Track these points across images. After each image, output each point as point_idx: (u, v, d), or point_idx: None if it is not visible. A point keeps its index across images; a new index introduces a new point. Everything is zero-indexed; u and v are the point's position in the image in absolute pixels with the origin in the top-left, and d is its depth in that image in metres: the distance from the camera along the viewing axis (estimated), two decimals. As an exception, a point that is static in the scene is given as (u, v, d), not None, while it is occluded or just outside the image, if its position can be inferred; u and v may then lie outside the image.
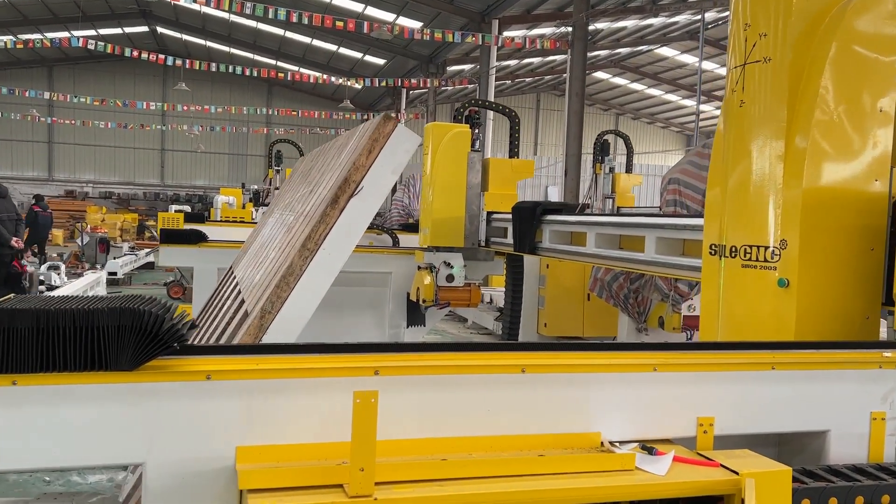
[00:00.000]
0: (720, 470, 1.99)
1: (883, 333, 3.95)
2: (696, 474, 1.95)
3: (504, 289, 10.27)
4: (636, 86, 38.97)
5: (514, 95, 42.11)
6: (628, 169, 13.30)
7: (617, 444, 2.11)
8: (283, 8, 14.18)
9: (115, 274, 16.47)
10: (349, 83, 26.55)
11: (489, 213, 7.32)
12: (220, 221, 10.38)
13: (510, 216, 7.22)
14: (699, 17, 25.97)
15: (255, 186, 22.31)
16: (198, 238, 7.24)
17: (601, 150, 12.77)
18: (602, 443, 2.11)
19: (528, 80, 37.08)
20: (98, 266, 16.98)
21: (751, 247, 3.01)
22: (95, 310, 1.71)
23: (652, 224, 4.86)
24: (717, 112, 33.77)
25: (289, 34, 30.79)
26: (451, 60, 28.15)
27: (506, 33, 22.27)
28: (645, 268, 4.96)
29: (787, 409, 2.29)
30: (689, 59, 33.36)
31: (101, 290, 13.12)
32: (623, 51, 32.62)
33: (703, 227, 3.41)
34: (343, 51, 31.19)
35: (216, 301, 4.98)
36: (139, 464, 1.79)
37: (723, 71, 33.68)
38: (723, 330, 3.16)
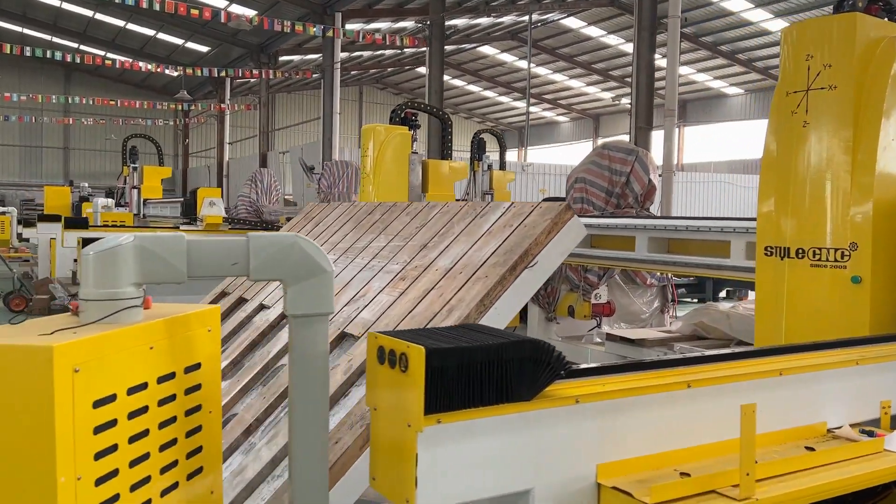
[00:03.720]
0: (933, 444, 2.38)
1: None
2: (926, 449, 2.32)
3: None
4: (457, 82, 40.19)
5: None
6: (502, 166, 13.94)
7: (836, 430, 2.44)
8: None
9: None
10: (175, 71, 24.97)
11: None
12: (102, 227, 9.52)
13: (451, 216, 7.40)
14: (523, 18, 27.45)
15: (86, 184, 20.38)
16: (125, 246, 6.69)
17: (478, 147, 13.27)
18: (828, 430, 2.43)
19: (353, 73, 36.97)
20: None
21: (820, 249, 3.49)
22: (503, 344, 1.74)
23: (641, 226, 5.30)
24: (534, 109, 35.25)
25: (98, 16, 28.35)
26: (283, 51, 27.43)
27: (348, 26, 22.14)
28: (634, 265, 5.42)
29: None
30: (508, 57, 35.06)
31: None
32: (449, 48, 33.54)
33: (756, 231, 3.84)
34: (162, 36, 29.28)
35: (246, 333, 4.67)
36: (526, 490, 1.83)
37: (539, 70, 35.82)
38: (789, 323, 3.61)
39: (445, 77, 41.40)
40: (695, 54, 30.17)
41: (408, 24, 26.81)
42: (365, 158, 7.43)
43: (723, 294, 18.32)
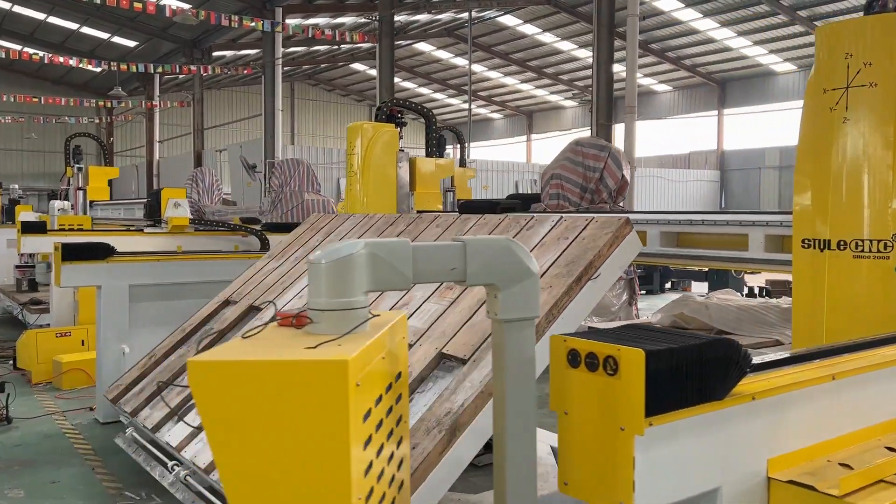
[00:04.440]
0: None
1: None
2: None
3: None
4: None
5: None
6: (462, 163, 13.94)
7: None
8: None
9: None
10: (99, 67, 23.84)
11: (418, 212, 7.40)
12: (60, 231, 9.05)
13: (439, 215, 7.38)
14: (461, 15, 27.51)
15: (16, 185, 19.24)
16: (106, 252, 6.38)
17: (437, 144, 13.21)
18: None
19: (286, 69, 36.23)
20: None
21: (862, 240, 3.62)
22: (704, 344, 1.73)
23: (654, 220, 5.38)
24: (465, 105, 34.98)
25: (17, 8, 26.91)
26: (218, 46, 26.69)
27: (287, 20, 21.70)
28: (647, 259, 5.50)
29: None
30: (444, 54, 35.09)
31: None
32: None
33: (793, 225, 3.95)
34: (86, 30, 28.02)
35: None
36: (715, 489, 1.83)
37: (475, 67, 35.95)
38: (830, 314, 3.73)
39: (378, 73, 41.20)
40: (626, 52, 30.89)
41: (347, 19, 26.52)
42: (352, 157, 7.29)
43: (668, 285, 18.89)
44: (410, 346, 3.77)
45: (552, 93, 38.65)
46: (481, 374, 3.19)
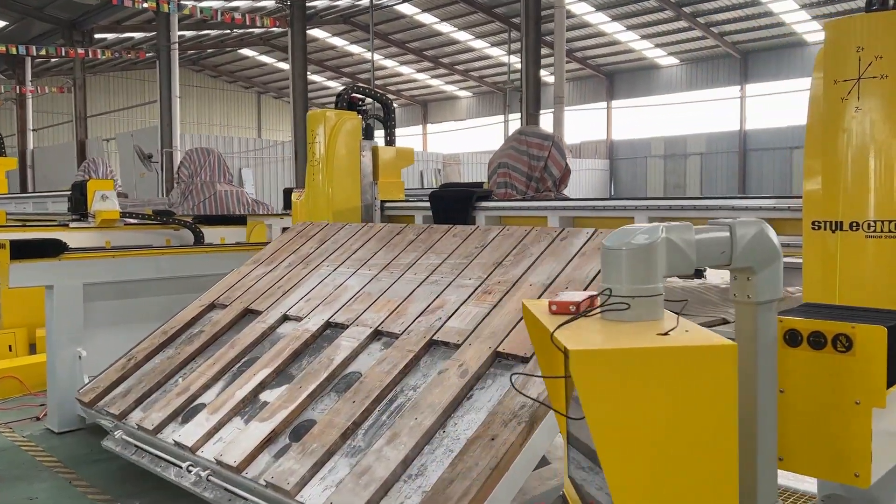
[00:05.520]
0: None
1: None
2: None
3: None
4: (283, 65, 38.96)
5: (150, 69, 38.88)
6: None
7: None
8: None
9: None
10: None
11: (382, 202, 7.29)
12: (-27, 225, 8.27)
13: (403, 204, 7.31)
14: (359, 1, 27.18)
15: None
16: (58, 249, 5.90)
17: (366, 133, 13.02)
18: None
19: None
20: None
21: (875, 221, 3.89)
22: (912, 318, 1.82)
23: (644, 206, 5.53)
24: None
25: None
26: (99, 28, 25.08)
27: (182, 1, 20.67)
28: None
29: None
30: (339, 41, 34.55)
31: None
32: (276, 30, 32.34)
33: (802, 208, 4.18)
34: (-55, 8, 25.57)
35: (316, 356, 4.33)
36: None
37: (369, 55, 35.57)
38: (843, 295, 3.98)
39: (270, 60, 40.05)
40: (519, 44, 31.50)
41: (241, 3, 25.61)
42: (313, 146, 7.08)
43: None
44: (458, 345, 3.74)
45: (447, 83, 38.91)
46: (551, 371, 3.22)
